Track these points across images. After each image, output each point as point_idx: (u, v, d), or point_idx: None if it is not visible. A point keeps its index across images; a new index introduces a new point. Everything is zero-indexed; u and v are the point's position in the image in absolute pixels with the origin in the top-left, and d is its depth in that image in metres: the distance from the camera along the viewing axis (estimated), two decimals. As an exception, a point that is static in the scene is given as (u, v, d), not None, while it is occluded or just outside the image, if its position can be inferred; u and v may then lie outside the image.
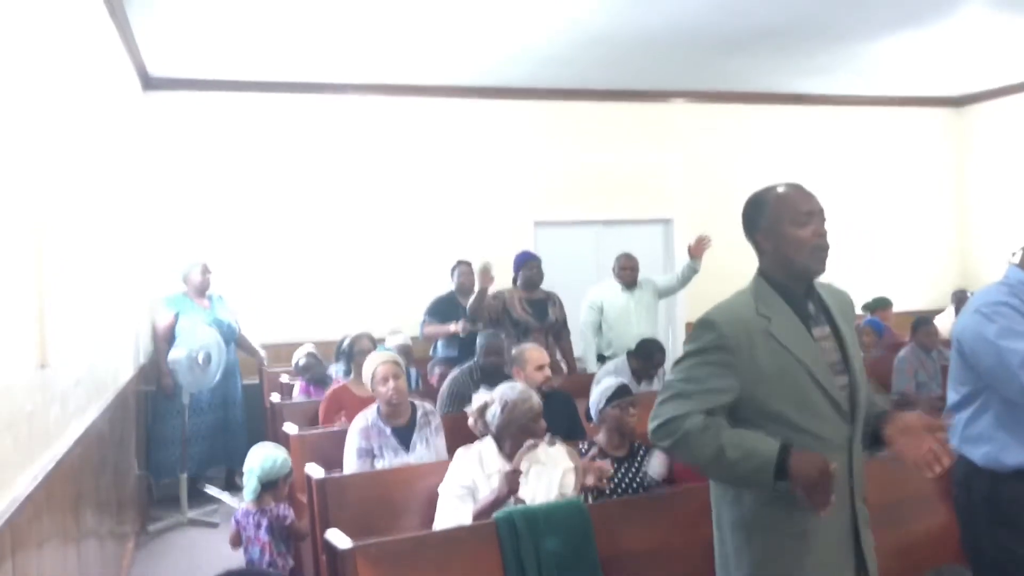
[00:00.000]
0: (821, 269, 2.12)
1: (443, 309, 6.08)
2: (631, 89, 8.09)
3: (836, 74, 7.80)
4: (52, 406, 2.97)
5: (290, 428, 4.27)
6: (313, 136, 7.47)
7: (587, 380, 5.56)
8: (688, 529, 2.85)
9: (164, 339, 6.11)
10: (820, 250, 2.10)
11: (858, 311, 7.17)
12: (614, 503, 3.11)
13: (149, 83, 6.93)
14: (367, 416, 3.86)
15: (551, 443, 3.24)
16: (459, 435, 3.64)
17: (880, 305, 7.55)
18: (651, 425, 2.11)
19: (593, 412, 3.63)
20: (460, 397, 4.25)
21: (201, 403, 6.18)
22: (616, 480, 3.44)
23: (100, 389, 4.08)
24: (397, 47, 6.39)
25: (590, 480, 3.14)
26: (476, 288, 5.71)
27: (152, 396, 6.18)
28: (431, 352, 6.36)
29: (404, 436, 3.84)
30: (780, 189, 2.17)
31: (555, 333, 5.64)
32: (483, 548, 2.65)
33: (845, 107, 8.88)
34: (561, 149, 8.10)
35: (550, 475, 3.18)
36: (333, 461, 3.82)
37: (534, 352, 4.36)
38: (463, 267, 6.34)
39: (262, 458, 3.81)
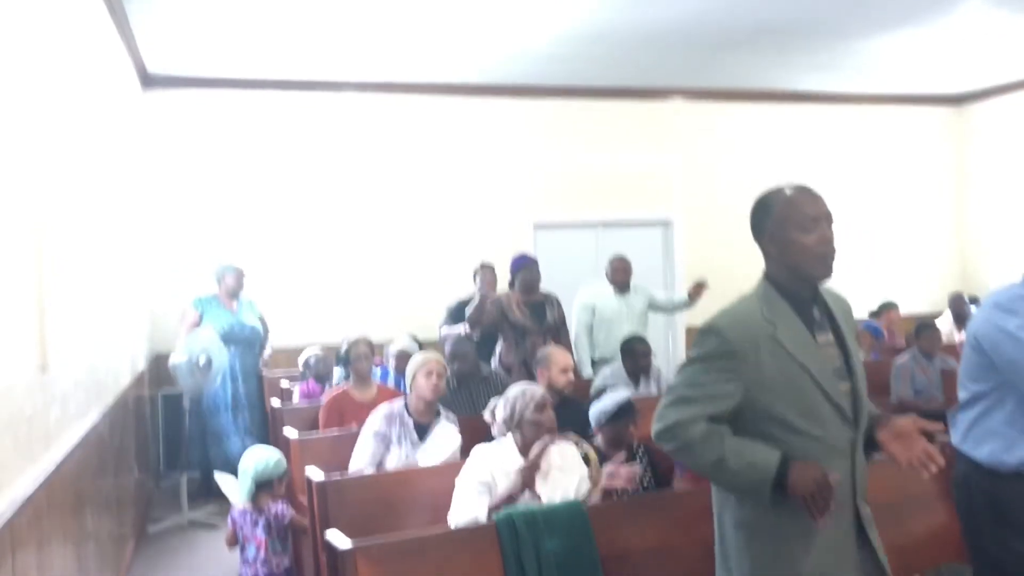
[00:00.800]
0: (827, 275, 2.11)
1: (461, 313, 6.05)
2: (631, 87, 8.09)
3: (836, 72, 7.80)
4: (52, 408, 2.97)
5: (290, 432, 4.26)
6: (312, 135, 7.46)
7: (584, 384, 5.55)
8: (688, 529, 2.85)
9: None
10: (826, 257, 2.08)
11: (863, 315, 7.19)
12: (614, 503, 3.11)
13: (148, 81, 6.93)
14: (395, 404, 3.94)
15: (564, 438, 3.29)
16: (474, 440, 3.65)
17: (887, 308, 7.52)
18: (655, 428, 2.12)
19: (592, 423, 3.67)
20: (445, 408, 4.26)
21: (231, 403, 6.29)
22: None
23: (100, 391, 4.08)
24: (397, 46, 6.39)
25: (619, 483, 3.15)
26: (476, 295, 5.72)
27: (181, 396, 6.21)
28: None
29: (423, 432, 3.90)
30: (787, 192, 2.14)
31: (554, 335, 5.64)
32: (483, 548, 2.66)
33: (845, 105, 8.88)
34: (560, 149, 8.10)
35: (567, 481, 3.20)
36: (334, 465, 3.82)
37: (560, 355, 4.35)
38: (485, 270, 6.31)
39: (255, 459, 3.84)
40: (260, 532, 3.77)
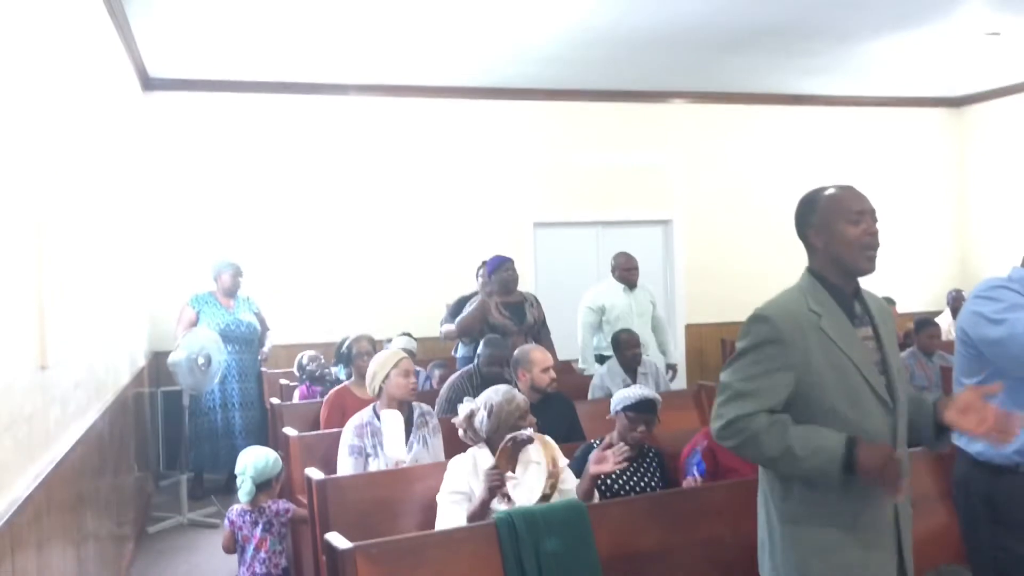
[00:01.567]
0: (871, 267, 2.16)
1: (460, 309, 6.05)
2: (631, 89, 8.09)
3: (836, 74, 7.81)
4: (52, 407, 2.97)
5: (290, 431, 4.26)
6: (313, 137, 7.47)
7: (584, 381, 5.57)
8: (688, 529, 2.85)
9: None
10: (870, 248, 2.14)
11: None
12: (614, 503, 3.11)
13: (149, 83, 6.94)
14: (363, 415, 3.86)
15: (530, 440, 3.17)
16: (459, 439, 3.64)
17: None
18: (715, 426, 2.13)
19: (612, 410, 3.58)
20: (459, 402, 4.24)
21: (226, 402, 6.27)
22: (624, 479, 3.46)
23: (100, 390, 4.08)
24: (397, 47, 6.39)
25: (607, 467, 3.12)
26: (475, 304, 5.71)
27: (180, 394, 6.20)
28: (453, 353, 6.32)
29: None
30: (833, 189, 2.23)
31: (534, 335, 5.63)
32: (483, 548, 2.65)
33: (845, 107, 8.88)
34: (561, 149, 8.10)
35: (545, 475, 3.18)
36: (335, 464, 3.81)
37: (539, 354, 4.34)
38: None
39: (254, 459, 3.83)
40: (260, 531, 3.77)
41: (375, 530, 2.97)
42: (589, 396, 5.24)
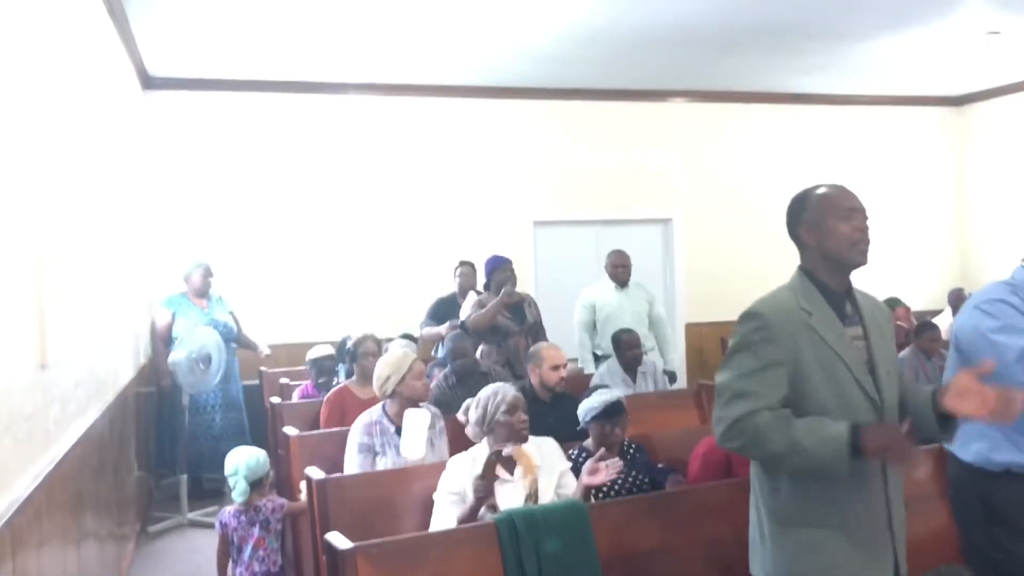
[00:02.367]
0: (863, 260, 2.18)
1: (441, 311, 6.07)
2: (631, 89, 8.09)
3: (836, 73, 7.80)
4: (52, 407, 2.97)
5: (290, 430, 4.26)
6: (313, 136, 7.47)
7: (584, 380, 5.56)
8: (688, 529, 2.85)
9: (162, 339, 6.20)
10: (861, 243, 2.16)
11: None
12: (614, 503, 3.11)
13: (149, 83, 6.93)
14: (371, 413, 3.87)
15: (512, 451, 3.20)
16: (461, 439, 3.65)
17: (893, 305, 7.50)
18: (717, 429, 2.12)
19: (581, 420, 3.61)
20: (445, 405, 4.25)
21: (207, 404, 6.23)
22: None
23: (100, 390, 4.08)
24: (397, 46, 6.39)
25: (600, 478, 3.13)
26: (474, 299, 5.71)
27: (167, 394, 6.19)
28: (433, 353, 6.35)
29: None
30: (823, 188, 2.27)
31: (533, 335, 5.64)
32: (483, 549, 2.65)
33: (845, 106, 8.87)
34: (560, 149, 8.10)
35: (547, 478, 3.19)
36: (334, 463, 3.81)
37: (551, 351, 4.33)
38: (464, 268, 6.30)
39: (246, 458, 3.82)
40: (257, 530, 3.76)
41: (375, 530, 2.97)
42: (589, 396, 5.23)
